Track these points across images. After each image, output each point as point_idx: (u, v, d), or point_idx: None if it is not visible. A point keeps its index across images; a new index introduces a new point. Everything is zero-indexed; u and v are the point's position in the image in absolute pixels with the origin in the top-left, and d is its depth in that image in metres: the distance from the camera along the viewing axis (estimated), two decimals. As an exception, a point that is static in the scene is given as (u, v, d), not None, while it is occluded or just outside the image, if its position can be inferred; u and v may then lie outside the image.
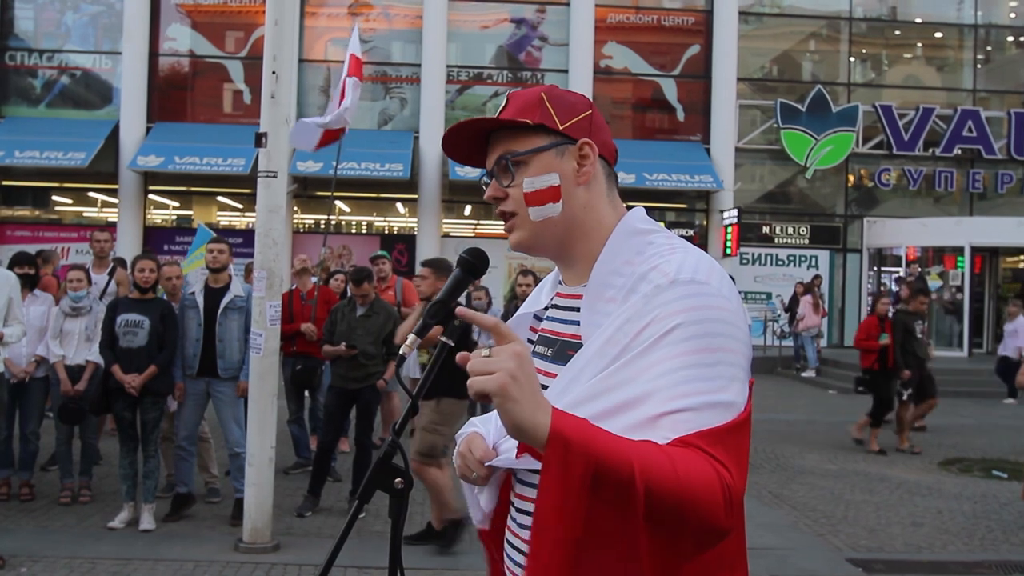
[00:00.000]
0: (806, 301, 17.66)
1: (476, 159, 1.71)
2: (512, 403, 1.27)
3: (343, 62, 9.36)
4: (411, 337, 1.58)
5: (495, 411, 1.80)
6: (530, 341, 1.72)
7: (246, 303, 6.83)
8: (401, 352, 1.59)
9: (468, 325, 1.49)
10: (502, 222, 1.67)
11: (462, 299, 9.86)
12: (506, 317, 8.90)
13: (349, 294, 7.76)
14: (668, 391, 1.35)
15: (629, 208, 1.66)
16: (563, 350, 1.59)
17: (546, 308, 1.71)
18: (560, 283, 1.71)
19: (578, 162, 1.60)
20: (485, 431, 1.69)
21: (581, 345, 1.51)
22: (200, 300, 6.92)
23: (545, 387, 1.55)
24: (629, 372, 1.39)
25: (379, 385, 7.29)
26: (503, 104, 1.67)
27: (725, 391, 1.38)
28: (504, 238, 1.69)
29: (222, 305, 6.88)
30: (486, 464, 1.59)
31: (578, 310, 1.56)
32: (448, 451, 6.07)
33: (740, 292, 18.46)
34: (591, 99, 1.70)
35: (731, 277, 8.54)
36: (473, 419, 1.78)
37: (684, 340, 1.37)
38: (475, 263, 1.63)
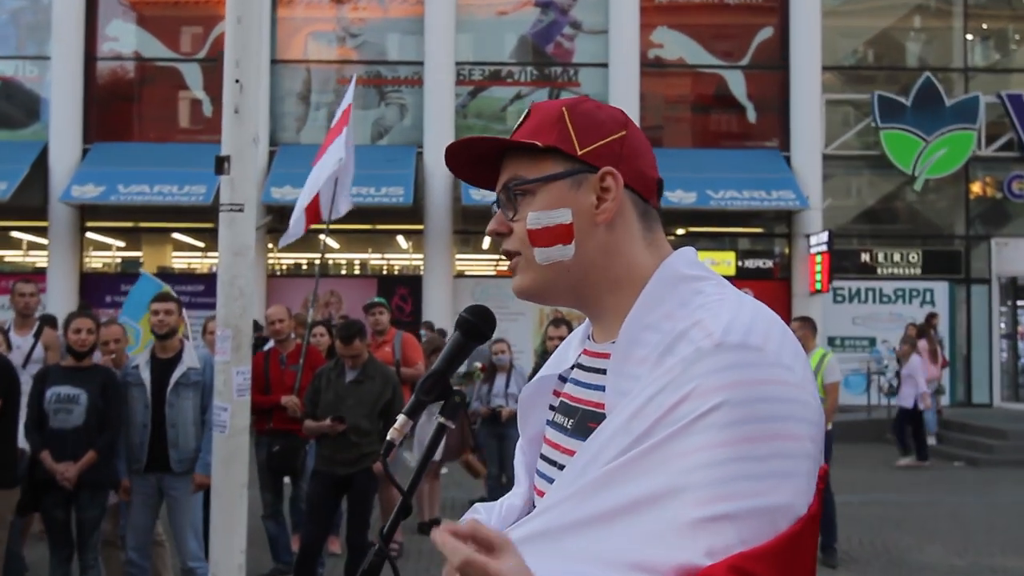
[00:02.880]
0: (921, 347, 17.52)
1: (487, 179, 1.75)
2: None
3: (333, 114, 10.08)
4: (401, 418, 1.62)
5: (502, 498, 1.84)
6: (551, 408, 1.76)
7: (202, 376, 6.88)
8: (390, 438, 1.62)
9: (465, 400, 1.52)
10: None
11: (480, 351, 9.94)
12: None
13: (336, 353, 7.81)
14: (703, 490, 1.34)
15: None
16: (584, 421, 1.61)
17: (572, 367, 1.74)
18: (589, 338, 1.74)
19: (598, 196, 1.62)
20: (486, 518, 1.74)
21: (604, 416, 1.53)
22: (146, 375, 6.96)
23: (561, 467, 1.59)
24: (656, 458, 1.38)
25: (375, 469, 7.31)
26: (523, 117, 1.71)
27: (777, 492, 1.36)
28: None
29: (173, 380, 6.92)
30: None
31: (604, 372, 1.58)
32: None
33: (835, 338, 18.45)
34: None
35: (811, 322, 8.43)
36: (476, 505, 1.81)
37: (728, 425, 1.36)
38: (478, 324, 1.66)
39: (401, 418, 1.60)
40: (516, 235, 1.66)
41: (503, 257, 1.72)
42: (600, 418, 1.54)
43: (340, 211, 9.76)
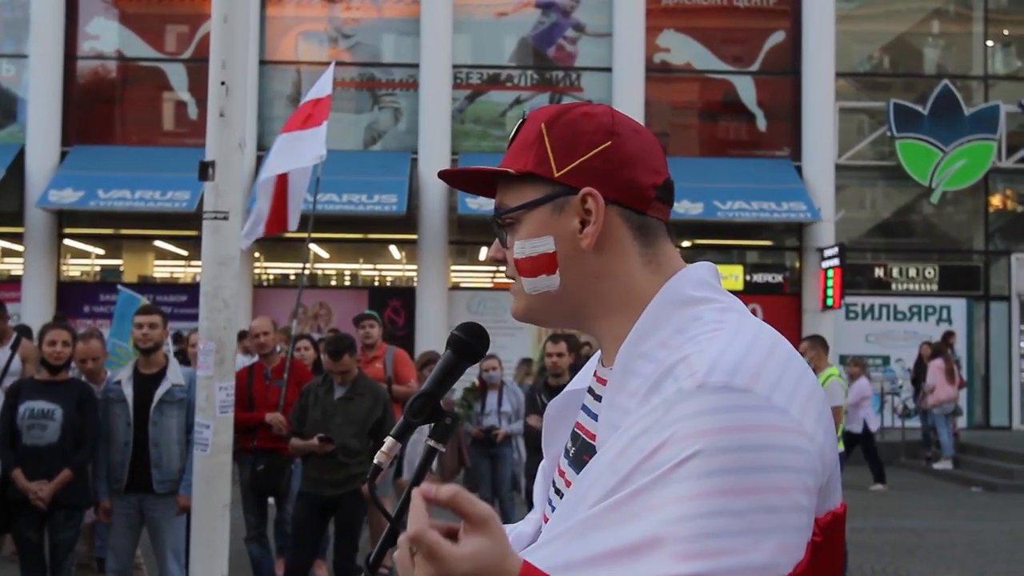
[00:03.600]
0: (937, 367, 17.50)
1: (490, 189, 1.74)
2: None
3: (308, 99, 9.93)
4: (389, 441, 1.62)
5: (515, 524, 1.84)
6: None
7: (187, 393, 6.87)
8: (377, 461, 1.62)
9: (456, 422, 1.52)
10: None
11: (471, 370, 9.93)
12: (535, 396, 8.96)
13: (324, 369, 7.81)
14: (680, 545, 1.30)
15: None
16: (580, 453, 1.61)
17: (589, 389, 1.73)
18: (601, 361, 1.72)
19: (582, 219, 1.59)
20: None
21: (595, 450, 1.52)
22: (128, 391, 6.94)
23: (561, 496, 1.59)
24: (636, 506, 1.35)
25: (364, 491, 7.31)
26: (515, 128, 1.70)
27: (757, 549, 1.32)
28: None
29: (156, 397, 6.90)
30: None
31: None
32: None
33: (846, 357, 18.43)
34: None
35: (821, 340, 8.32)
36: None
37: (705, 475, 1.33)
38: (471, 343, 1.66)
39: (389, 440, 1.60)
40: (509, 262, 1.67)
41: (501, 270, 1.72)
42: (593, 451, 1.53)
43: (291, 226, 9.79)
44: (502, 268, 1.73)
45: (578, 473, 1.52)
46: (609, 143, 1.60)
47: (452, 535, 1.32)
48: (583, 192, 1.58)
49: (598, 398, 1.63)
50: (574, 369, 8.18)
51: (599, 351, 1.74)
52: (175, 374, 6.99)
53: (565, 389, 1.79)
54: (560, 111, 1.65)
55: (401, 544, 1.36)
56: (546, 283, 1.62)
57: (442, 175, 1.72)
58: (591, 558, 1.35)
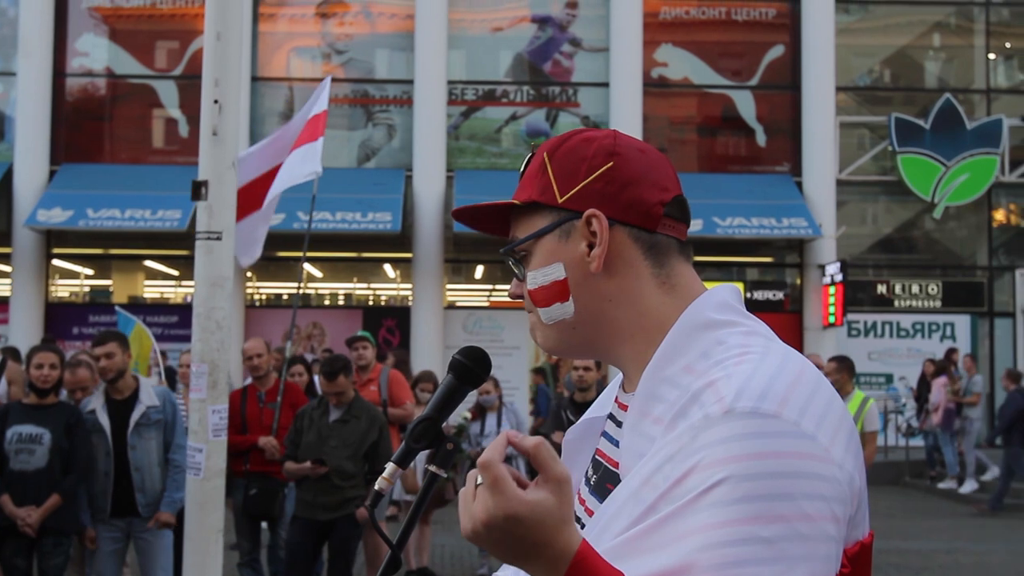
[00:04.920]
0: (940, 385, 17.52)
1: (506, 227, 1.76)
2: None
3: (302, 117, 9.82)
4: (390, 467, 1.61)
5: None
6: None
7: (162, 413, 6.87)
8: (378, 487, 1.62)
9: (458, 448, 1.52)
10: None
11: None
12: (560, 412, 8.92)
13: (320, 391, 7.80)
14: (708, 573, 1.31)
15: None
16: (603, 481, 1.61)
17: (609, 415, 1.73)
18: (621, 386, 1.72)
19: (589, 242, 1.61)
20: (512, 573, 1.73)
21: (619, 477, 1.52)
22: (104, 420, 6.93)
23: (583, 525, 1.57)
24: (664, 535, 1.35)
25: (359, 515, 7.29)
26: (524, 163, 1.72)
27: None
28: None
29: (132, 422, 6.90)
30: None
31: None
32: None
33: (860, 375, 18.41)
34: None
35: (848, 363, 8.14)
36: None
37: (733, 503, 1.33)
38: (473, 368, 1.65)
39: (390, 466, 1.59)
40: (525, 296, 1.69)
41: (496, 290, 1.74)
42: (617, 479, 1.53)
43: (253, 255, 9.76)
44: (503, 289, 1.75)
45: (601, 502, 1.53)
46: (611, 163, 1.62)
47: (522, 486, 1.34)
48: (587, 214, 1.60)
49: (619, 424, 1.63)
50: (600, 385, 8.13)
51: (619, 376, 1.75)
52: (148, 396, 6.98)
53: (584, 417, 1.80)
54: (562, 139, 1.68)
55: (469, 477, 1.38)
56: (561, 311, 1.63)
57: (456, 216, 1.75)
58: None
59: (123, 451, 6.87)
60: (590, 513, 1.60)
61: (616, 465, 1.57)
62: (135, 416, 6.89)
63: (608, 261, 1.60)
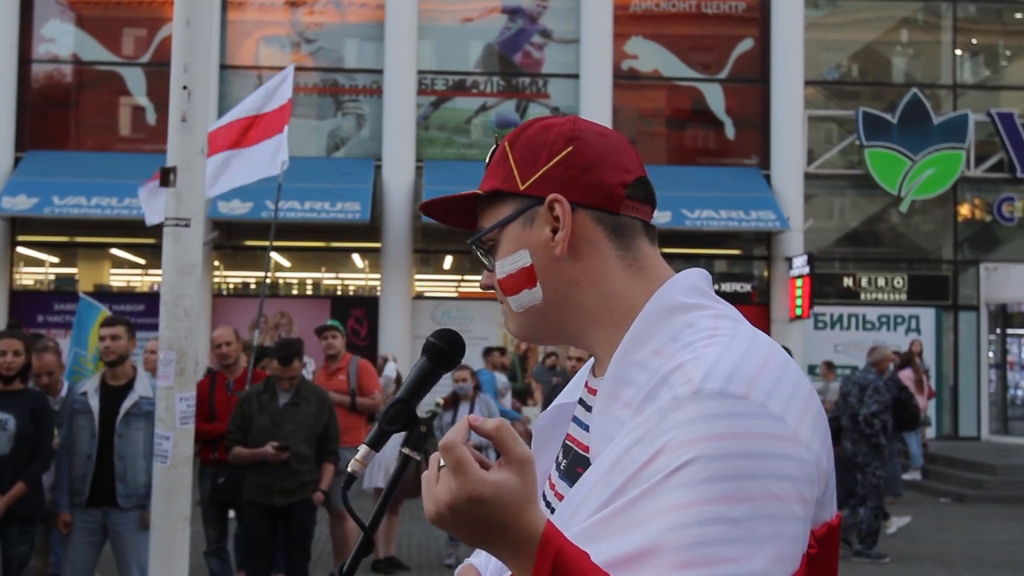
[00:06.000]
0: (905, 377, 17.64)
1: (475, 221, 1.76)
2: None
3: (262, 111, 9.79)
4: (363, 449, 1.61)
5: None
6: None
7: (155, 406, 6.85)
8: (350, 469, 1.62)
9: (431, 431, 1.53)
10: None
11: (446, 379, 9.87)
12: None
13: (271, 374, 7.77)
14: (675, 554, 1.31)
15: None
16: (573, 466, 1.62)
17: (580, 400, 1.74)
18: (592, 371, 1.73)
19: (552, 227, 1.62)
20: (483, 562, 1.75)
21: (588, 462, 1.53)
22: (94, 403, 6.91)
23: (552, 510, 1.59)
24: (633, 516, 1.36)
25: (316, 499, 7.31)
26: (490, 151, 1.73)
27: (754, 558, 1.32)
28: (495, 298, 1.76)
29: (123, 410, 6.89)
30: None
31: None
32: None
33: (815, 367, 18.53)
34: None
35: (829, 365, 8.19)
36: (469, 560, 1.83)
37: (701, 483, 1.33)
38: (447, 350, 1.65)
39: (363, 448, 1.60)
40: (495, 285, 1.70)
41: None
42: (587, 463, 1.54)
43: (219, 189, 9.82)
44: (472, 279, 1.77)
45: (571, 486, 1.54)
46: (570, 148, 1.63)
47: (485, 468, 1.35)
48: (549, 199, 1.61)
49: (589, 409, 1.63)
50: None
51: (589, 361, 1.76)
52: (143, 386, 6.97)
53: (553, 403, 1.80)
54: (523, 128, 1.69)
55: (432, 460, 1.39)
56: (529, 297, 1.64)
57: (424, 210, 1.77)
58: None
59: (110, 438, 6.85)
60: (560, 498, 1.61)
61: (586, 449, 1.57)
62: (127, 404, 6.88)
63: (573, 245, 1.61)
